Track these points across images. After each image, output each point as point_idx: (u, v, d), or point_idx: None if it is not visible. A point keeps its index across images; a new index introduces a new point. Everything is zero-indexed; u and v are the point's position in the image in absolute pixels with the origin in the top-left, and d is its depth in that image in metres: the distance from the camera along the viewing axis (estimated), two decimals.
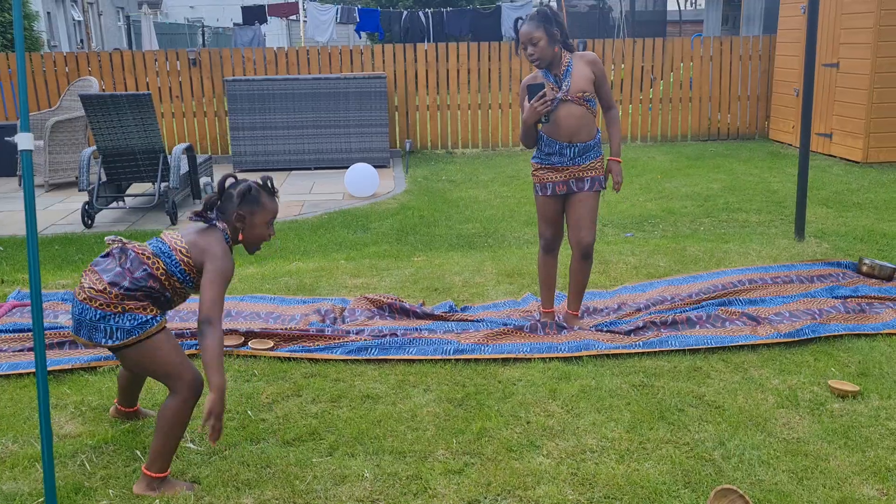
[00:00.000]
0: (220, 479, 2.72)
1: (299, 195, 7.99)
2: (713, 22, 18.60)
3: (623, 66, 10.54)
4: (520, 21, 3.75)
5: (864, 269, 4.80)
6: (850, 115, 8.59)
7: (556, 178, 3.88)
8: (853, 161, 8.58)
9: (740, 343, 3.76)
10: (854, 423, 3.03)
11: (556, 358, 3.66)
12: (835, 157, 8.92)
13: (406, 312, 4.28)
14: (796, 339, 3.79)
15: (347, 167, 8.10)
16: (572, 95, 3.74)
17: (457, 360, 3.65)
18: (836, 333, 3.86)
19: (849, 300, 4.33)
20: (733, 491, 2.38)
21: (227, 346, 3.82)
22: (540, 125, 3.82)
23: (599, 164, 3.89)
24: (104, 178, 7.05)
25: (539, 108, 3.66)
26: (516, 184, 8.17)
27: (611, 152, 3.91)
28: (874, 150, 8.39)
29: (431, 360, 3.66)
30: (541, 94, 3.65)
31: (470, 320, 4.14)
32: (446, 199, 7.59)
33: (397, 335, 3.94)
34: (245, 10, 18.17)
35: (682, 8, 28.28)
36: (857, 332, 3.87)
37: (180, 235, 2.73)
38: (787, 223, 6.20)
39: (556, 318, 4.11)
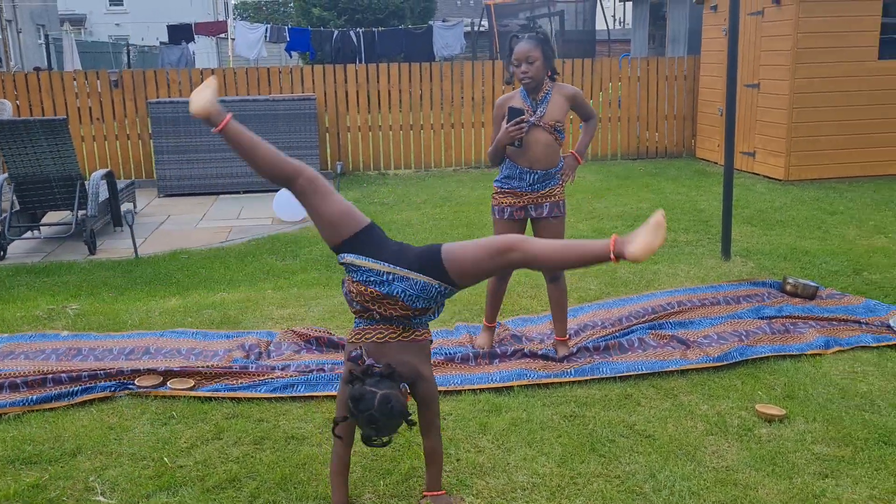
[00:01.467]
0: None
1: (226, 220, 7.79)
2: (640, 42, 19.01)
3: None
4: (516, 38, 3.80)
5: (788, 287, 4.89)
6: (771, 134, 8.84)
7: (514, 202, 3.88)
8: (776, 179, 8.82)
9: (671, 368, 3.76)
10: (781, 448, 3.04)
11: (487, 389, 3.60)
12: (759, 174, 9.16)
13: (335, 345, 4.16)
14: (725, 362, 3.81)
15: (277, 191, 7.93)
16: (544, 123, 3.77)
17: None
18: (763, 355, 3.90)
19: (774, 320, 4.40)
20: None
21: (143, 387, 3.64)
22: (509, 147, 3.83)
23: (559, 190, 3.91)
24: (17, 207, 6.73)
25: (513, 132, 3.69)
26: (449, 206, 8.13)
27: (576, 147, 4.02)
28: (795, 168, 8.64)
29: None
30: (519, 119, 3.68)
31: None
32: (379, 222, 7.39)
33: (325, 370, 3.82)
34: (171, 28, 17.77)
35: (611, 27, 28.90)
36: (782, 354, 3.92)
37: None
38: (713, 242, 6.30)
39: (495, 337, 4.14)
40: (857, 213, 7.14)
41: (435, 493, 2.66)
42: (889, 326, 4.28)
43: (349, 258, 2.53)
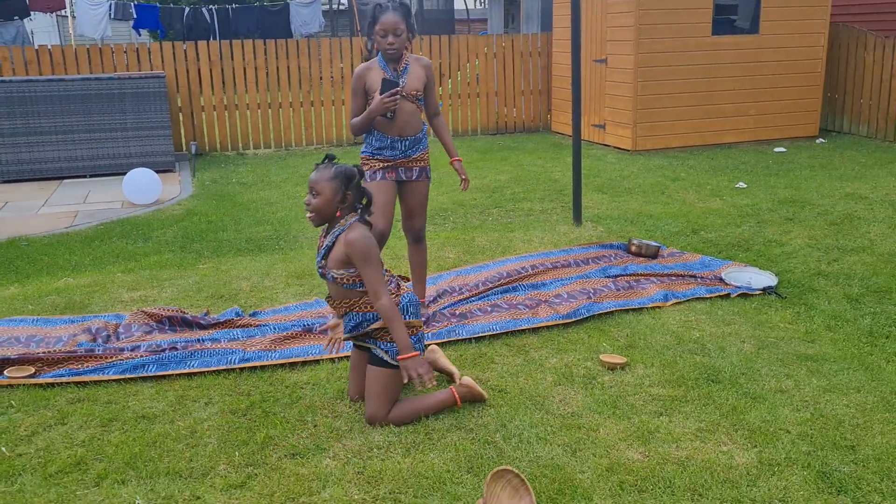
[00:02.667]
0: None
1: (72, 205, 7.37)
2: (496, 20, 19.40)
3: None
4: (380, 7, 3.79)
5: (633, 248, 5.18)
6: (619, 106, 9.27)
7: (385, 166, 3.93)
8: (624, 149, 9.28)
9: (523, 327, 3.91)
10: (622, 392, 3.24)
11: (345, 357, 3.62)
12: (609, 146, 9.60)
13: (188, 324, 4.05)
14: (573, 319, 4.00)
15: (125, 174, 7.57)
16: (407, 92, 3.83)
17: (241, 368, 3.51)
18: (608, 311, 4.12)
19: (619, 278, 4.65)
20: (509, 471, 2.45)
21: None
22: (379, 118, 3.83)
23: (426, 154, 4.02)
24: None
25: (388, 103, 3.72)
26: None
27: (451, 154, 4.08)
28: (641, 139, 9.12)
29: (214, 371, 3.48)
30: (394, 90, 3.71)
31: (255, 325, 3.99)
32: (236, 202, 7.31)
33: (177, 348, 3.71)
34: (1, 3, 16.46)
35: (470, 7, 29.27)
36: (625, 308, 4.16)
37: None
38: (567, 210, 6.57)
39: None
40: (696, 179, 7.63)
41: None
42: (721, 279, 4.63)
43: None
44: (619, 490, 2.55)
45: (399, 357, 2.85)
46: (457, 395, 3.09)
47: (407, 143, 3.91)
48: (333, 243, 2.95)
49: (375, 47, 3.83)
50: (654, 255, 5.11)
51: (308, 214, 2.97)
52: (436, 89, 4.03)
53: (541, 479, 2.61)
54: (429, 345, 3.51)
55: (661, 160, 8.66)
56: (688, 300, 4.29)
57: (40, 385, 3.40)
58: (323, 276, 3.00)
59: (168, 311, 4.11)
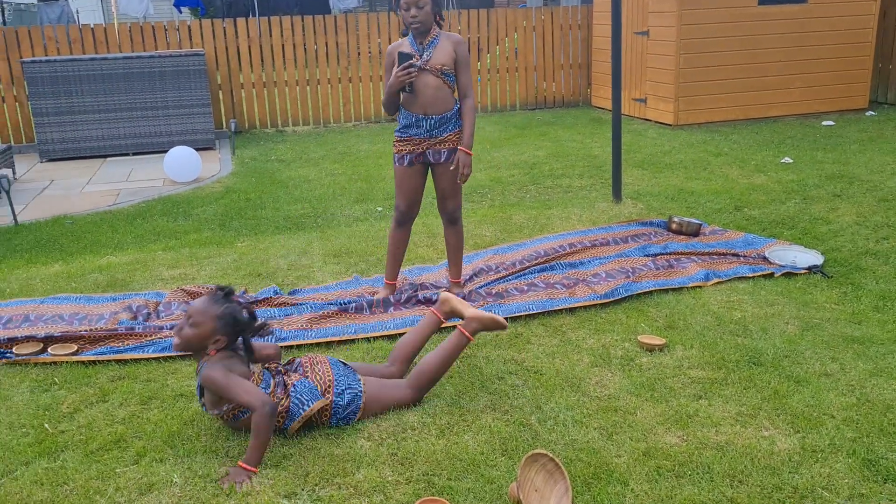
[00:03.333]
0: (9, 503, 2.47)
1: (115, 183, 7.48)
2: None
3: None
4: None
5: (674, 226, 5.08)
6: (660, 80, 9.07)
7: (413, 149, 3.88)
8: (666, 124, 9.09)
9: (560, 307, 3.86)
10: (660, 374, 3.19)
11: (382, 337, 3.62)
12: (650, 120, 9.42)
13: None
14: (611, 299, 3.94)
15: (167, 151, 7.65)
16: (431, 66, 3.75)
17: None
18: (647, 290, 4.05)
19: (659, 257, 4.57)
20: (543, 455, 2.42)
21: (23, 355, 3.49)
22: (402, 94, 3.80)
23: (458, 136, 3.88)
24: None
25: (402, 76, 3.67)
26: (348, 160, 8.04)
27: (462, 141, 3.87)
28: (683, 113, 8.92)
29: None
30: (408, 63, 3.65)
31: (292, 304, 4.01)
32: (275, 179, 7.35)
33: None
34: None
35: None
36: (665, 288, 4.09)
37: None
38: (606, 186, 6.47)
39: (398, 290, 4.12)
40: (740, 154, 7.45)
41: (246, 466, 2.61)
42: (765, 258, 4.51)
43: None
44: (655, 475, 2.51)
45: (240, 463, 2.59)
46: (466, 332, 3.01)
47: (433, 121, 3.81)
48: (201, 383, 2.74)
49: (403, 22, 3.78)
50: (695, 232, 5.00)
51: (174, 340, 2.75)
52: (469, 69, 3.91)
53: (576, 463, 2.58)
54: (447, 326, 3.48)
55: (703, 135, 8.47)
56: (730, 280, 4.20)
57: (83, 362, 3.46)
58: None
59: (207, 289, 4.15)
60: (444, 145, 3.87)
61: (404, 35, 3.86)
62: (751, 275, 4.25)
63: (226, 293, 2.80)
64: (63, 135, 8.64)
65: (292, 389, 2.79)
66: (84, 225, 5.96)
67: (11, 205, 6.05)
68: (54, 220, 6.10)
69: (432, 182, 4.03)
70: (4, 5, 24.86)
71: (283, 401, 2.77)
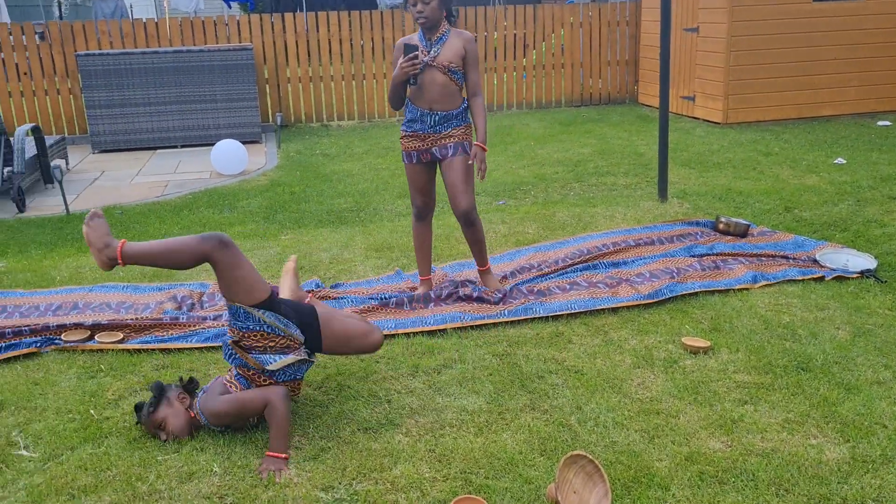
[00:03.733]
0: (54, 487, 2.52)
1: (163, 175, 7.60)
2: None
3: (496, 34, 10.54)
4: None
5: (721, 226, 4.97)
6: (710, 77, 8.90)
7: (419, 146, 3.86)
8: (714, 122, 8.92)
9: (602, 307, 3.81)
10: (704, 378, 3.12)
11: (421, 332, 3.61)
12: (698, 118, 9.25)
13: None
14: (655, 299, 3.88)
15: (215, 144, 7.75)
16: (438, 63, 3.73)
17: None
18: (692, 291, 3.97)
19: (705, 258, 4.48)
20: (583, 457, 2.39)
21: (71, 342, 3.57)
22: (409, 87, 3.79)
23: (463, 131, 3.85)
24: None
25: (406, 67, 3.65)
26: (391, 155, 8.05)
27: (477, 138, 3.85)
28: (733, 112, 8.74)
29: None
30: (413, 54, 3.64)
31: (333, 298, 4.03)
32: (319, 173, 7.39)
33: None
34: None
35: None
36: (711, 289, 4.00)
37: None
38: (652, 185, 6.37)
39: (433, 286, 4.09)
40: (791, 154, 7.27)
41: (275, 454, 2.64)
42: (815, 260, 4.39)
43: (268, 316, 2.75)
44: (698, 481, 2.46)
45: (268, 453, 2.63)
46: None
47: (437, 117, 3.78)
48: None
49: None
50: (743, 233, 4.89)
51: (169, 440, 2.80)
52: (478, 68, 3.86)
53: (616, 466, 2.54)
54: (486, 323, 3.45)
55: (753, 134, 8.29)
56: (778, 282, 4.10)
57: (128, 350, 3.52)
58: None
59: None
60: (450, 140, 3.83)
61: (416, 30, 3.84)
62: (800, 278, 4.14)
63: (137, 406, 2.86)
64: (114, 127, 8.81)
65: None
66: (133, 215, 6.07)
67: (64, 195, 6.19)
68: (105, 210, 6.22)
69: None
70: (61, 0, 25.48)
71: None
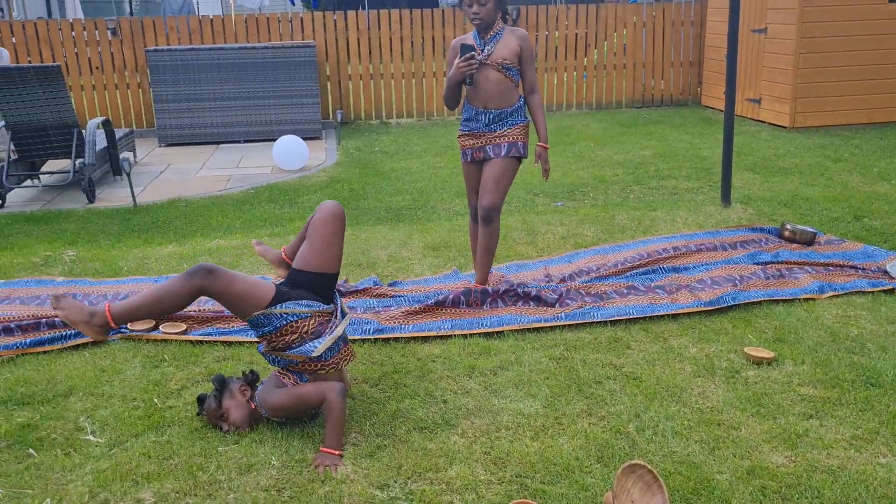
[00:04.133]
0: (119, 472, 2.59)
1: (226, 169, 7.76)
2: None
3: (557, 33, 10.46)
4: None
5: (786, 234, 4.85)
6: (777, 80, 8.68)
7: (474, 143, 3.89)
8: (781, 126, 8.70)
9: (661, 313, 3.75)
10: (767, 389, 3.05)
11: (478, 333, 3.60)
12: (764, 122, 9.03)
13: None
14: (717, 306, 3.80)
15: (276, 140, 7.88)
16: (492, 61, 3.74)
17: (375, 339, 3.57)
18: (756, 300, 3.88)
19: (769, 266, 4.37)
20: (641, 466, 2.35)
21: (137, 331, 3.67)
22: (464, 86, 3.81)
23: (518, 130, 3.85)
24: (15, 156, 6.71)
25: (463, 67, 3.67)
26: (450, 154, 8.06)
27: (539, 138, 3.86)
28: (801, 115, 8.51)
29: (350, 340, 3.56)
30: (469, 54, 3.66)
31: (390, 296, 4.05)
32: (378, 170, 7.45)
33: None
34: None
35: None
36: (775, 298, 3.90)
37: None
38: (714, 189, 6.24)
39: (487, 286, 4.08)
40: (861, 160, 7.05)
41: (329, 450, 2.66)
42: (885, 272, 4.25)
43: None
44: (760, 496, 2.40)
45: (322, 448, 2.66)
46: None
47: (491, 115, 3.79)
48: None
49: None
50: (809, 241, 4.76)
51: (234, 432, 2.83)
52: (533, 65, 3.86)
53: (675, 477, 2.49)
54: (544, 326, 3.41)
55: (821, 138, 8.06)
56: (846, 293, 3.97)
57: (191, 341, 3.60)
58: None
59: None
60: (504, 139, 3.82)
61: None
62: (870, 289, 4.01)
63: (199, 398, 2.91)
64: (180, 121, 9.03)
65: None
66: (197, 208, 6.20)
67: (132, 187, 6.36)
68: (170, 203, 6.38)
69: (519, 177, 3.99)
70: None
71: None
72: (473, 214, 4.08)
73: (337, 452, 2.64)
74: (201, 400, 2.89)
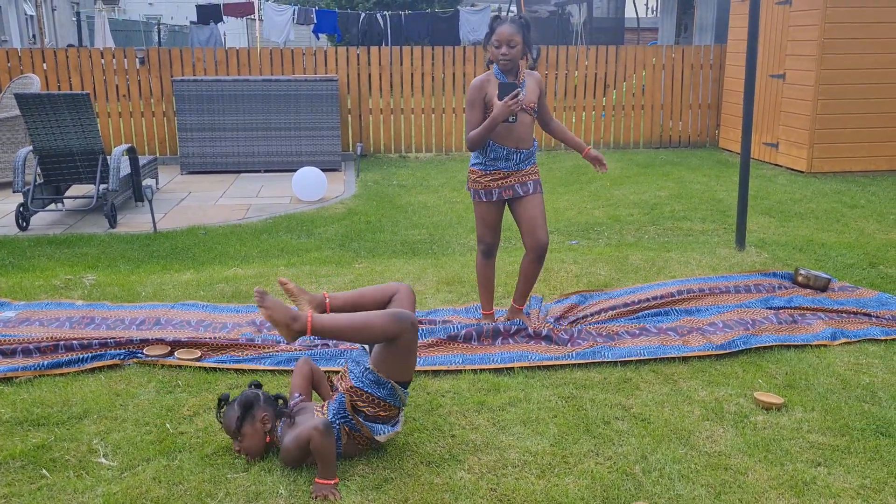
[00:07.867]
0: (129, 496, 2.63)
1: (246, 198, 7.87)
2: (668, 30, 18.79)
3: (577, 72, 10.59)
4: (499, 19, 3.85)
5: (800, 279, 4.85)
6: (795, 125, 8.73)
7: (502, 183, 3.94)
8: (798, 171, 8.72)
9: (672, 355, 3.76)
10: (776, 436, 3.04)
11: (487, 369, 3.63)
12: (781, 166, 9.06)
13: None
14: (727, 350, 3.80)
15: (296, 171, 7.99)
16: (525, 104, 3.86)
17: None
18: (767, 345, 3.88)
19: (782, 311, 4.37)
20: None
21: (152, 356, 3.72)
22: (501, 125, 3.86)
23: (537, 169, 4.06)
24: (41, 180, 6.86)
25: (513, 105, 3.73)
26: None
27: (581, 147, 4.10)
28: (818, 161, 8.53)
29: None
30: (515, 92, 3.72)
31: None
32: (395, 204, 7.53)
33: (329, 345, 3.87)
34: (200, 8, 17.90)
35: (642, 15, 28.58)
36: (787, 343, 3.90)
37: None
38: (729, 232, 6.26)
39: (510, 321, 4.12)
40: (878, 207, 7.05)
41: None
42: None
43: None
44: None
45: (317, 479, 2.66)
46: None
47: (522, 154, 3.92)
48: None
49: (491, 58, 3.84)
50: (823, 287, 4.76)
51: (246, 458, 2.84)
52: (545, 95, 4.08)
53: None
54: (554, 364, 3.43)
55: (838, 184, 8.07)
56: (859, 341, 3.97)
57: (204, 368, 3.65)
58: None
59: None
60: (530, 177, 3.97)
61: (488, 65, 3.91)
62: (883, 338, 4.00)
63: (221, 399, 2.93)
64: (203, 149, 9.19)
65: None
66: (215, 236, 6.30)
67: (153, 213, 6.48)
68: (189, 230, 6.48)
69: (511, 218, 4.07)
70: (161, 26, 26.75)
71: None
72: (486, 252, 4.11)
73: (331, 482, 2.65)
74: (221, 402, 2.92)
